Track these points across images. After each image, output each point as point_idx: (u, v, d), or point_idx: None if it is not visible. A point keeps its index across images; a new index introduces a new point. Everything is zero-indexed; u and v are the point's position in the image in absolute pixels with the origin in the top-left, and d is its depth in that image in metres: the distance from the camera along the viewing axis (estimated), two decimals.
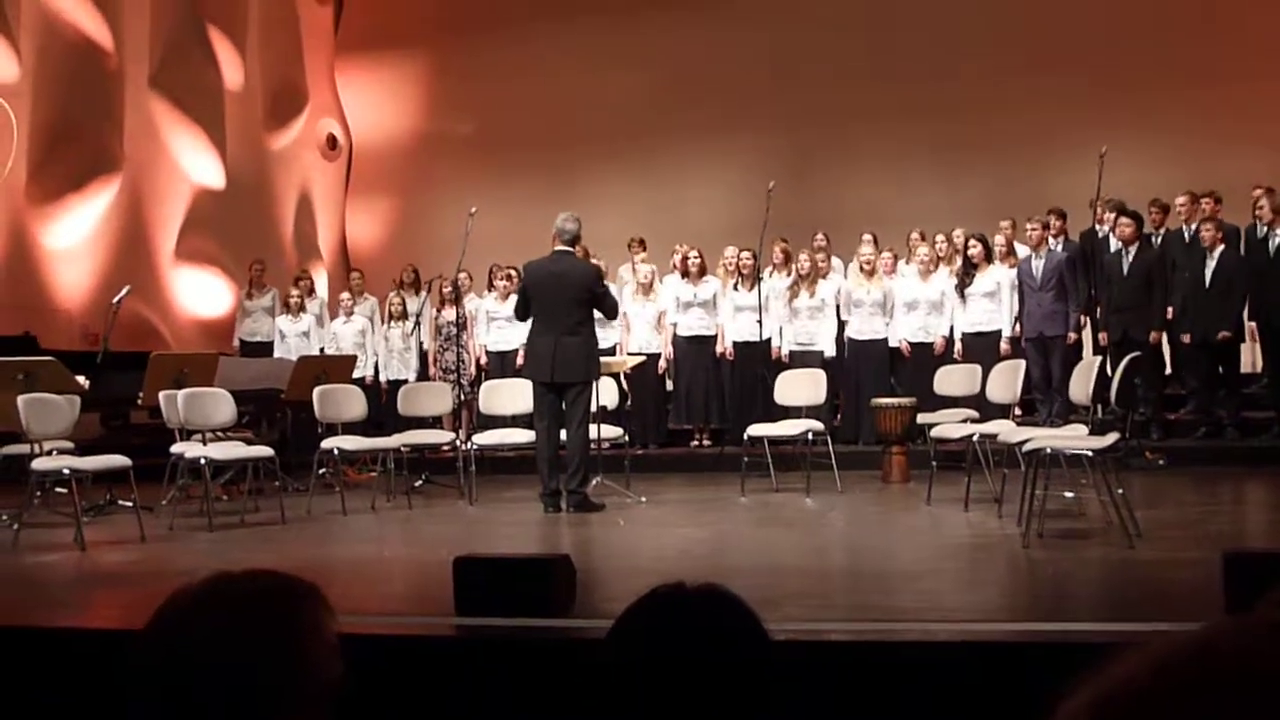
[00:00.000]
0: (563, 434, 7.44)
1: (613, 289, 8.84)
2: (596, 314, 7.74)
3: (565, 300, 7.33)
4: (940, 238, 10.13)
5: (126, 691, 1.30)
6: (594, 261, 8.93)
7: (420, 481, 8.74)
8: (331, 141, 15.19)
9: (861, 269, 9.95)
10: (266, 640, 1.32)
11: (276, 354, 10.76)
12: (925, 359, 9.55)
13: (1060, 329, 9.31)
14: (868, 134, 12.54)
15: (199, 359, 8.62)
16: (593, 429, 7.73)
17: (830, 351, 9.80)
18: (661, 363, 10.35)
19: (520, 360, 9.39)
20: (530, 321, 7.59)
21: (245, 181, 13.86)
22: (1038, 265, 9.44)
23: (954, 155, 12.25)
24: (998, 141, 12.02)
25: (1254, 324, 9.04)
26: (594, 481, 7.73)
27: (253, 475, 8.03)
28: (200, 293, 13.38)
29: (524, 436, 8.23)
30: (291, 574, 1.42)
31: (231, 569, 1.40)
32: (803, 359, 9.62)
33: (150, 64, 12.94)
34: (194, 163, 13.40)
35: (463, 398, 10.04)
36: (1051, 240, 9.59)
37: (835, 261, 10.49)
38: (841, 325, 9.96)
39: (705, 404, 10.31)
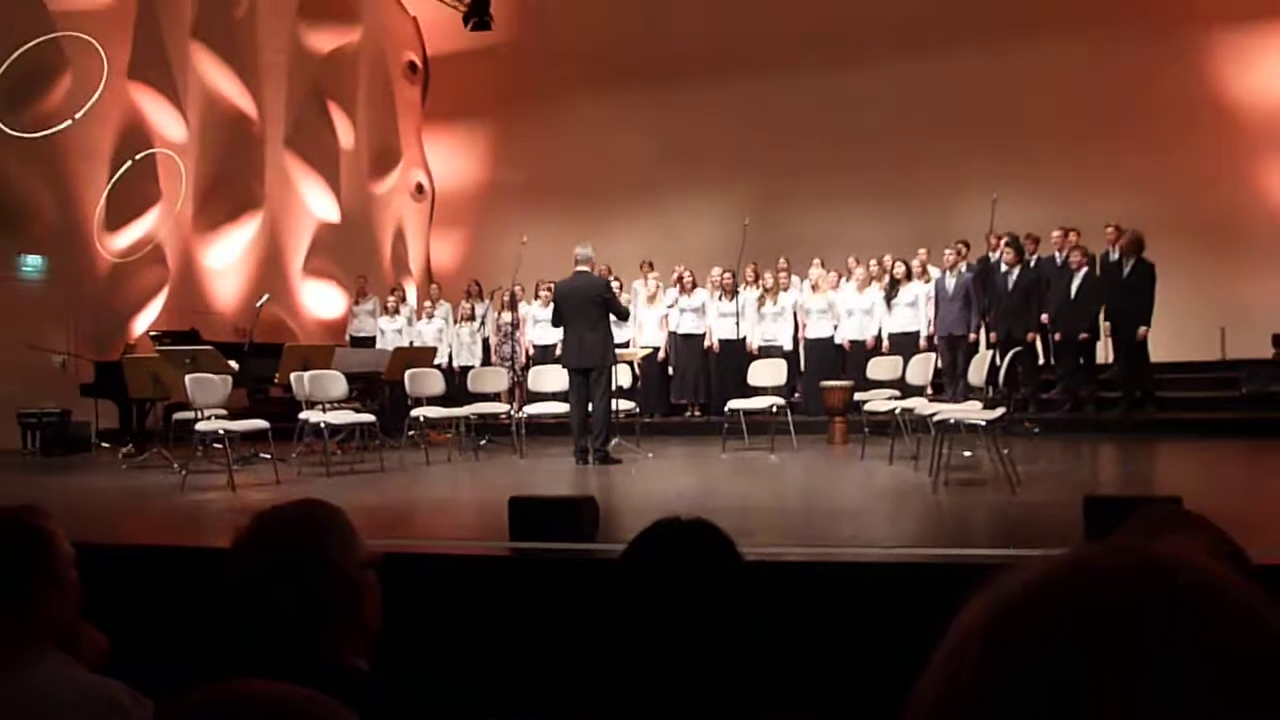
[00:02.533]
0: (590, 406, 7.42)
1: (624, 299, 8.82)
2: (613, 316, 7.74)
3: (585, 306, 7.31)
4: (873, 261, 10.06)
5: (215, 603, 1.33)
6: (609, 278, 8.90)
7: (484, 441, 8.75)
8: (419, 188, 15.19)
9: (811, 285, 9.94)
10: (303, 551, 1.35)
11: (378, 346, 10.76)
12: (861, 352, 9.51)
13: (965, 330, 9.22)
14: (818, 183, 12.48)
15: (320, 349, 8.65)
16: (613, 402, 7.73)
17: (789, 347, 9.79)
18: (662, 353, 10.33)
19: (559, 352, 9.41)
20: (563, 325, 7.60)
21: (355, 218, 13.88)
22: (950, 282, 9.33)
23: (883, 199, 12.20)
24: (916, 188, 11.97)
25: (1109, 324, 8.99)
26: (614, 442, 7.74)
27: (360, 435, 8.06)
28: (321, 300, 13.42)
29: (562, 408, 8.19)
30: (325, 502, 1.45)
31: (281, 502, 1.44)
32: (769, 352, 9.61)
33: (284, 129, 12.96)
34: (317, 203, 13.43)
35: (516, 379, 10.03)
36: (961, 264, 9.51)
37: (795, 279, 10.47)
38: (799, 327, 9.94)
39: (696, 384, 10.29)
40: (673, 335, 10.39)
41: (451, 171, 15.21)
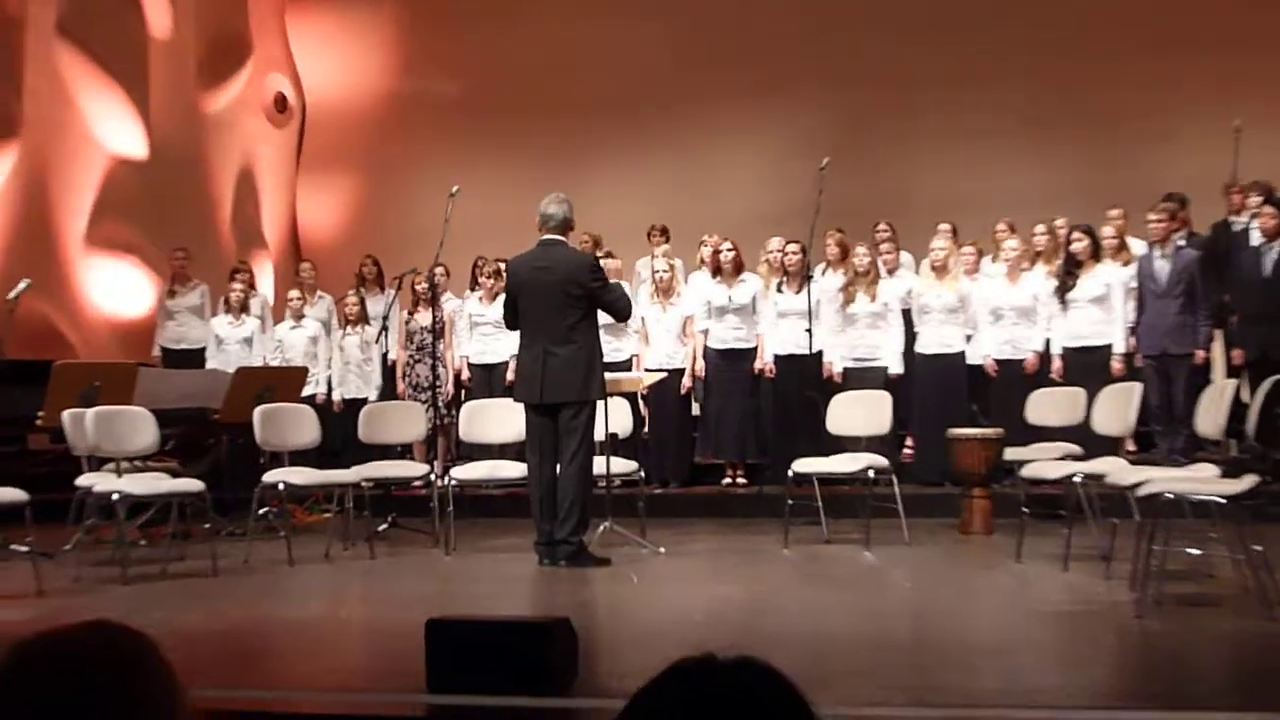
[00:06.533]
0: (558, 468, 7.41)
1: (627, 289, 8.80)
2: (605, 318, 7.73)
3: (554, 301, 7.32)
4: (1038, 228, 10.05)
5: None
6: (597, 252, 8.90)
7: (385, 525, 8.73)
8: (280, 103, 15.25)
9: (933, 267, 9.91)
10: (99, 705, 1.36)
11: (210, 364, 10.71)
12: (1015, 379, 9.49)
13: (1188, 345, 9.16)
14: (942, 102, 12.52)
15: (114, 370, 8.65)
16: (598, 462, 7.72)
17: (896, 368, 9.75)
18: (686, 380, 10.31)
19: (510, 376, 9.40)
20: (519, 331, 7.60)
21: (173, 152, 13.89)
22: (1162, 266, 9.26)
23: (1049, 130, 12.26)
24: (1103, 115, 12.02)
25: None
26: (602, 527, 7.73)
27: (178, 515, 8.04)
28: (116, 288, 13.40)
29: (515, 471, 8.18)
30: (124, 626, 1.46)
31: (61, 624, 1.45)
32: (861, 378, 9.58)
33: (57, 7, 13.01)
34: (110, 128, 13.45)
35: (439, 421, 10.04)
36: (1178, 235, 9.46)
37: (905, 257, 10.46)
38: (911, 336, 9.94)
39: (740, 433, 10.25)
40: (704, 351, 10.38)
41: (334, 78, 15.30)
